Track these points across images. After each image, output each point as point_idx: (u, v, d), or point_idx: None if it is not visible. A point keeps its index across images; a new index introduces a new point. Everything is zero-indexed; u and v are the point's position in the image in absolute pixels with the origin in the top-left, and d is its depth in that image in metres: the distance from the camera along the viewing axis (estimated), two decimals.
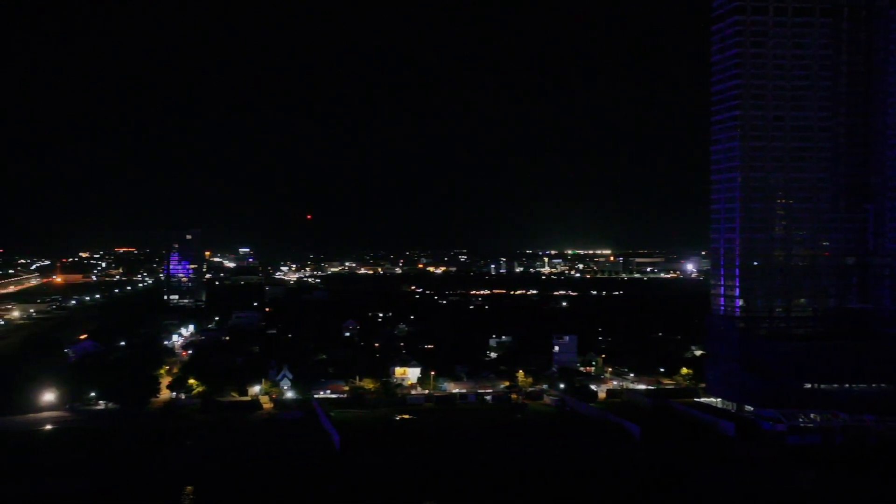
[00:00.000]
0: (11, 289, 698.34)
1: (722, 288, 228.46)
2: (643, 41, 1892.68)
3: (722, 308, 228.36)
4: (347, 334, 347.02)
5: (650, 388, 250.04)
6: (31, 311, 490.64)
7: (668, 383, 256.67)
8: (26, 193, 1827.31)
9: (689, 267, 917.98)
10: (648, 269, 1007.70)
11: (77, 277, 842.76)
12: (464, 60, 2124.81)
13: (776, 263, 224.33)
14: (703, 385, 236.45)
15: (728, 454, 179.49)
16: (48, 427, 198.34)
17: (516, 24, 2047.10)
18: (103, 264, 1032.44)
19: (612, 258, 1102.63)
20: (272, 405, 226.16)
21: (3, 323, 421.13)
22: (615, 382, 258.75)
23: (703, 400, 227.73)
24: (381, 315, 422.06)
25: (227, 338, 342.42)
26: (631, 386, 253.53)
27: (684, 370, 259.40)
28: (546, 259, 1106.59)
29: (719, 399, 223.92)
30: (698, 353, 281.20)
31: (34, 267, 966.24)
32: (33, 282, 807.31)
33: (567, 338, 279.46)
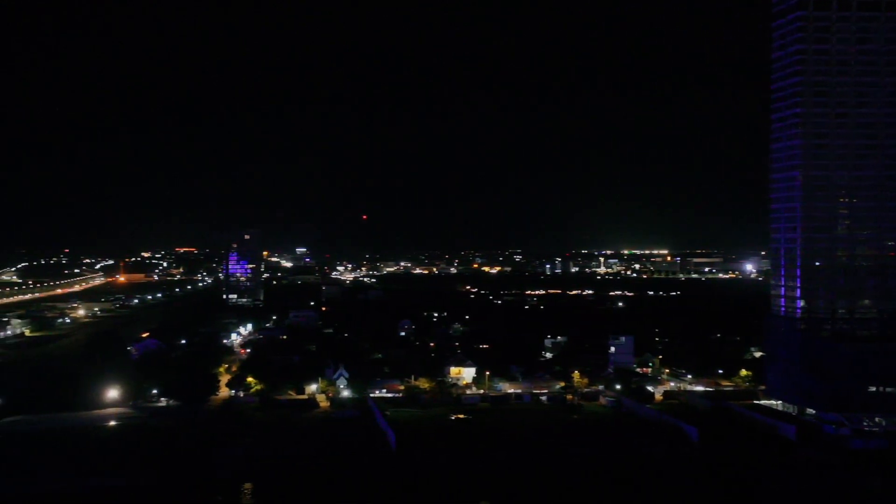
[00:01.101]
0: (77, 288, 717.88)
1: (782, 289, 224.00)
2: (704, 39, 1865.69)
3: (783, 309, 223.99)
4: (403, 334, 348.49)
5: (708, 389, 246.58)
6: (96, 309, 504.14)
7: (726, 385, 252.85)
8: (91, 195, 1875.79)
9: (749, 267, 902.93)
10: (706, 269, 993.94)
11: (139, 277, 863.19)
12: (520, 59, 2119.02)
13: (839, 264, 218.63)
14: (763, 387, 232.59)
15: (789, 458, 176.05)
16: (113, 423, 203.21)
17: (580, 19, 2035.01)
18: (164, 264, 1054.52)
19: (669, 258, 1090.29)
20: (329, 404, 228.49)
21: (69, 321, 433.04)
22: (672, 384, 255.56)
23: (762, 402, 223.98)
24: (436, 315, 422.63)
25: (285, 337, 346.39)
26: (689, 387, 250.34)
27: (743, 372, 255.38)
28: (602, 259, 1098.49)
29: (780, 402, 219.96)
30: (758, 354, 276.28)
31: (98, 266, 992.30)
32: (97, 281, 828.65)
33: (623, 338, 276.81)
